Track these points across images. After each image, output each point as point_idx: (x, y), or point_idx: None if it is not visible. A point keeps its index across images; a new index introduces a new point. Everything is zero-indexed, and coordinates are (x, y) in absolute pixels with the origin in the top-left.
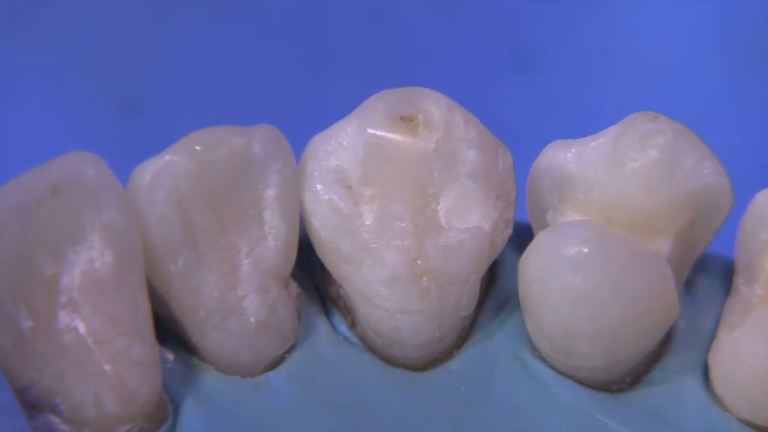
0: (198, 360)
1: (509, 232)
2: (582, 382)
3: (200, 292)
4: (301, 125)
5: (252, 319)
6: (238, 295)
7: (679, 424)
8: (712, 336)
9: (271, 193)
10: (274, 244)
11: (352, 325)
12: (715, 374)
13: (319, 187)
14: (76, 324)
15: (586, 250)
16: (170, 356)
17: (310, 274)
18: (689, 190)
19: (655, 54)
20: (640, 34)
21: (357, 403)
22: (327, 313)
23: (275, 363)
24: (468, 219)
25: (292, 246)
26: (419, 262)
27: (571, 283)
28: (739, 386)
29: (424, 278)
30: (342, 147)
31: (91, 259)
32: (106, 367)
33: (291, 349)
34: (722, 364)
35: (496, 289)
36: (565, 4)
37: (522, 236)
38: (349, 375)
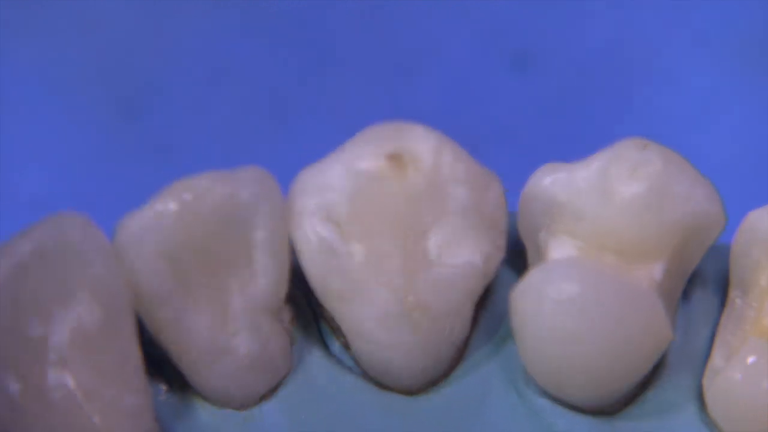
0: (191, 391)
1: (502, 255)
2: (576, 408)
3: (191, 335)
4: (301, 125)
5: (244, 358)
6: (229, 334)
7: None
8: (708, 349)
9: (260, 234)
10: (264, 281)
11: (346, 346)
12: (710, 405)
13: (307, 225)
14: (66, 380)
15: (575, 292)
16: (163, 388)
17: (306, 291)
18: (680, 218)
19: (656, 54)
20: (639, 34)
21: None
22: (321, 332)
23: (268, 394)
24: (459, 254)
25: (282, 280)
26: (410, 298)
27: (562, 326)
28: (733, 422)
29: (416, 313)
30: (330, 185)
31: (79, 315)
32: (95, 419)
33: (285, 377)
34: (716, 397)
35: (491, 304)
36: (565, 4)
37: (516, 244)
38: (342, 402)
